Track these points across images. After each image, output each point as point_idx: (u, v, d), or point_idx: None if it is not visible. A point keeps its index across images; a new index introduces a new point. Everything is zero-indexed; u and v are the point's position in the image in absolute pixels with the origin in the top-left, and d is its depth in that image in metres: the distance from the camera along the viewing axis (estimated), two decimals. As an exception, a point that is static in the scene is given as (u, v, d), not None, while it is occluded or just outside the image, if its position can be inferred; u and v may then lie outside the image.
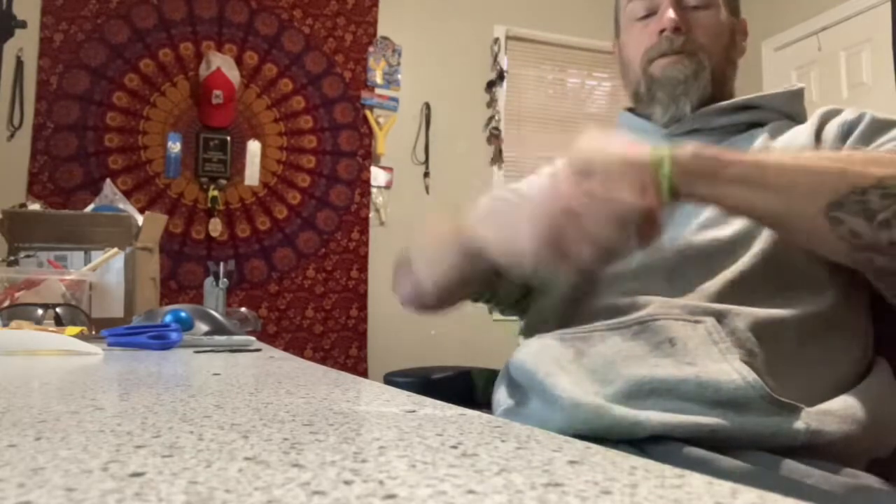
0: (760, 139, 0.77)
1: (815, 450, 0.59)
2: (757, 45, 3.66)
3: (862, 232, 0.53)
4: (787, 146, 0.75)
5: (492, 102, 3.56)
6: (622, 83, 0.90)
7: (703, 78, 0.81)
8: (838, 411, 0.60)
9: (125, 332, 0.89)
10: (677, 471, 0.22)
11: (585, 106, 3.81)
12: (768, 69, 3.61)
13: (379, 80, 3.38)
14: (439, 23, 3.51)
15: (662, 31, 0.81)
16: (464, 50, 3.53)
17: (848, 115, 0.74)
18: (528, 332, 0.81)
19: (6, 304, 1.13)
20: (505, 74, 3.59)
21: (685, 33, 0.81)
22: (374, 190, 3.35)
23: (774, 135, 0.77)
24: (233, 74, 3.09)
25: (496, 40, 3.59)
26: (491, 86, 3.56)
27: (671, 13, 0.80)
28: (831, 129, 0.74)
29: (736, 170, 0.56)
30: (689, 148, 0.57)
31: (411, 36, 3.46)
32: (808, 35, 3.44)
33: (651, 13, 0.84)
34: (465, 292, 0.83)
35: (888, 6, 3.03)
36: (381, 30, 3.41)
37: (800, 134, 0.76)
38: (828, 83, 3.34)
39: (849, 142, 0.72)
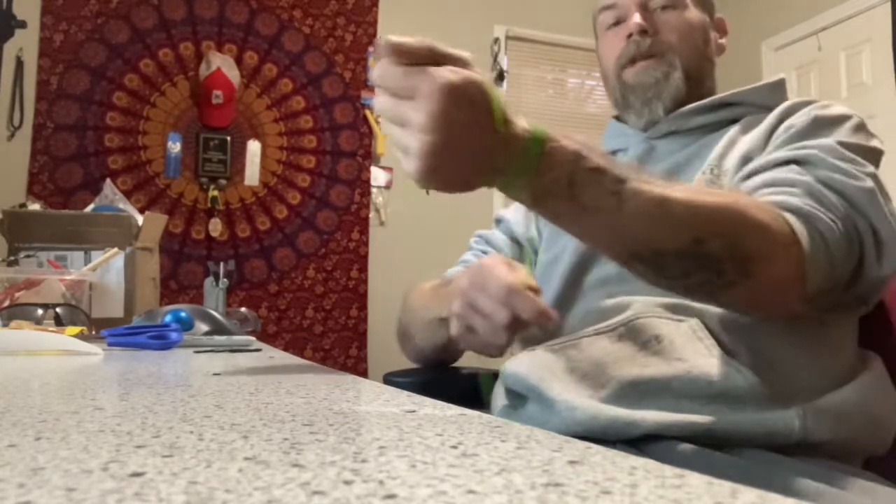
0: (731, 132, 0.77)
1: (811, 448, 0.59)
2: (757, 45, 3.66)
3: (649, 278, 0.58)
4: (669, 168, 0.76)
5: (492, 102, 3.56)
6: (606, 91, 0.91)
7: (674, 79, 0.81)
8: (833, 409, 0.61)
9: (125, 332, 0.89)
10: (677, 471, 0.22)
11: (585, 106, 3.82)
12: (768, 69, 3.61)
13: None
14: (439, 23, 3.51)
15: (630, 35, 0.82)
16: (464, 50, 3.53)
17: (797, 118, 0.73)
18: (520, 339, 0.82)
19: (6, 304, 1.13)
20: (505, 74, 3.59)
21: (652, 35, 0.81)
22: (374, 190, 3.35)
23: (747, 127, 0.77)
24: (233, 74, 3.09)
25: (496, 40, 3.59)
26: (491, 86, 3.56)
27: (637, 17, 0.81)
28: (780, 129, 0.73)
29: (553, 206, 0.54)
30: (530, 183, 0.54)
31: (411, 36, 3.46)
32: (808, 35, 3.44)
33: (621, 20, 0.85)
34: (462, 352, 0.92)
35: (888, 6, 3.03)
36: (381, 30, 3.41)
37: (760, 130, 0.75)
38: (828, 83, 3.34)
39: (779, 141, 0.72)
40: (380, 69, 0.51)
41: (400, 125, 0.51)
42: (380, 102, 0.52)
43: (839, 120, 0.71)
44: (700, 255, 0.55)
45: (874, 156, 0.68)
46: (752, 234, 0.57)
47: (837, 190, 0.63)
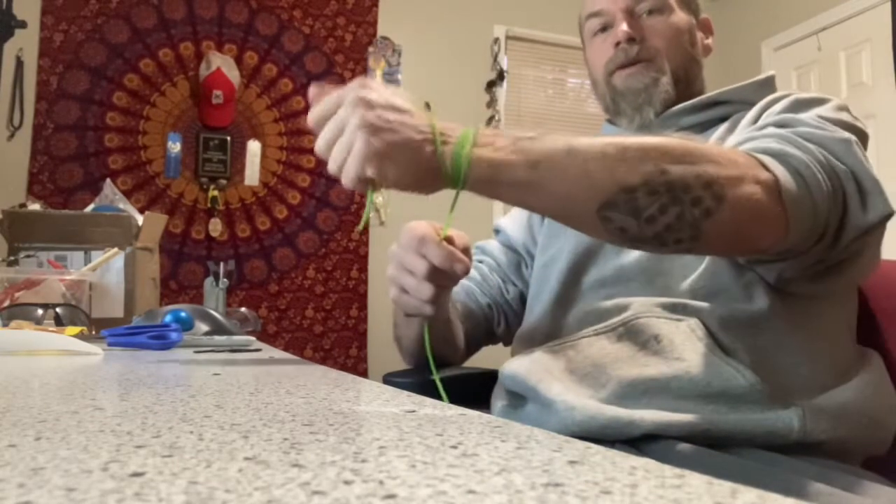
0: (716, 135, 0.77)
1: (811, 447, 0.59)
2: (757, 45, 3.66)
3: (629, 228, 0.55)
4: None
5: (492, 102, 3.56)
6: (595, 96, 0.92)
7: (663, 83, 0.81)
8: (832, 409, 0.61)
9: (125, 332, 0.89)
10: (677, 471, 0.22)
11: (585, 106, 3.81)
12: (768, 69, 3.60)
13: (379, 80, 3.38)
14: (439, 23, 3.51)
15: (618, 43, 0.82)
16: (464, 50, 3.53)
17: (780, 105, 0.73)
18: (520, 342, 0.82)
19: (6, 304, 1.13)
20: (505, 74, 3.59)
21: (640, 42, 0.82)
22: (374, 190, 3.34)
23: (734, 127, 0.77)
24: (233, 74, 3.09)
25: (496, 40, 3.59)
26: (491, 86, 3.56)
27: (624, 26, 0.81)
28: (762, 118, 0.73)
29: (510, 174, 0.55)
30: (477, 152, 0.56)
31: (411, 36, 3.46)
32: (808, 35, 3.44)
33: (607, 26, 0.85)
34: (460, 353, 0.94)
35: (888, 6, 3.03)
36: (381, 30, 3.41)
37: (744, 125, 0.75)
38: (828, 83, 3.34)
39: (759, 121, 0.71)
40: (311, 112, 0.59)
41: (335, 135, 0.56)
42: (317, 141, 0.58)
43: (819, 100, 0.71)
44: (668, 185, 0.54)
45: (857, 134, 0.66)
46: (712, 159, 0.56)
47: (815, 141, 0.62)
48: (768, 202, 0.57)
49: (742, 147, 0.62)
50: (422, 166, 0.55)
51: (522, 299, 0.92)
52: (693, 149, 0.57)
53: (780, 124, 0.66)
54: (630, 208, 0.54)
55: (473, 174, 0.55)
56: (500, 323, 0.94)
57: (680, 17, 0.84)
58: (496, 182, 0.55)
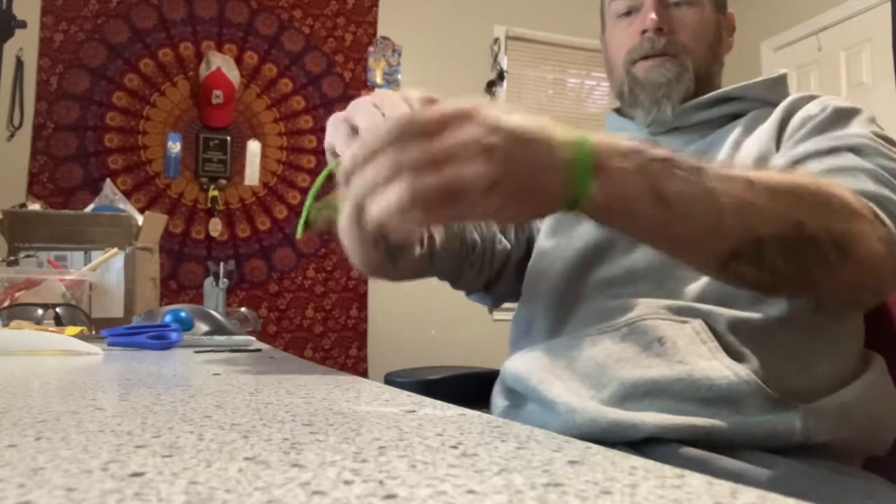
0: (735, 132, 0.76)
1: (812, 449, 0.59)
2: (757, 45, 3.65)
3: (748, 276, 0.53)
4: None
5: (492, 102, 3.56)
6: (608, 79, 0.89)
7: (685, 80, 0.79)
8: (834, 411, 0.61)
9: (125, 332, 0.89)
10: (677, 471, 0.22)
11: (585, 106, 3.82)
12: (768, 69, 3.61)
13: (379, 80, 3.38)
14: (439, 23, 3.51)
15: (644, 31, 0.79)
16: (464, 50, 3.53)
17: (812, 108, 0.72)
18: (519, 337, 0.81)
19: (6, 304, 1.13)
20: (505, 74, 3.59)
21: (667, 34, 0.79)
22: (374, 190, 3.34)
23: (750, 126, 0.76)
24: (233, 74, 3.09)
25: (496, 40, 3.59)
26: (491, 86, 3.56)
27: (653, 14, 0.78)
28: (794, 122, 0.73)
29: (634, 207, 0.48)
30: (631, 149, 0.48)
31: (411, 36, 3.46)
32: (808, 35, 3.44)
33: (633, 10, 0.82)
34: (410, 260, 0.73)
35: (888, 6, 3.03)
36: (381, 30, 3.41)
37: (767, 127, 0.74)
38: (828, 83, 3.34)
39: (802, 132, 0.70)
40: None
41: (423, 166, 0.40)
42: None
43: (856, 111, 0.71)
44: (800, 240, 0.52)
45: (893, 145, 0.68)
46: (844, 212, 0.55)
47: None
48: (886, 257, 0.57)
49: (834, 180, 0.60)
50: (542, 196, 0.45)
51: (507, 260, 0.87)
52: (825, 195, 0.55)
53: (854, 149, 0.65)
54: (755, 258, 0.52)
55: (595, 190, 0.45)
56: (475, 265, 0.85)
57: (710, 13, 0.82)
58: (618, 213, 0.48)
